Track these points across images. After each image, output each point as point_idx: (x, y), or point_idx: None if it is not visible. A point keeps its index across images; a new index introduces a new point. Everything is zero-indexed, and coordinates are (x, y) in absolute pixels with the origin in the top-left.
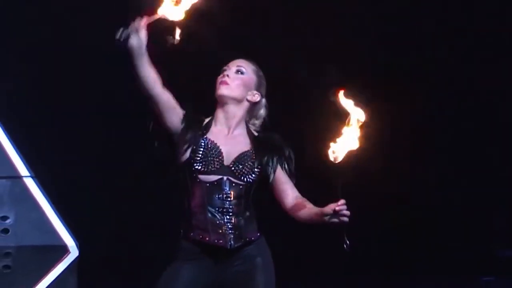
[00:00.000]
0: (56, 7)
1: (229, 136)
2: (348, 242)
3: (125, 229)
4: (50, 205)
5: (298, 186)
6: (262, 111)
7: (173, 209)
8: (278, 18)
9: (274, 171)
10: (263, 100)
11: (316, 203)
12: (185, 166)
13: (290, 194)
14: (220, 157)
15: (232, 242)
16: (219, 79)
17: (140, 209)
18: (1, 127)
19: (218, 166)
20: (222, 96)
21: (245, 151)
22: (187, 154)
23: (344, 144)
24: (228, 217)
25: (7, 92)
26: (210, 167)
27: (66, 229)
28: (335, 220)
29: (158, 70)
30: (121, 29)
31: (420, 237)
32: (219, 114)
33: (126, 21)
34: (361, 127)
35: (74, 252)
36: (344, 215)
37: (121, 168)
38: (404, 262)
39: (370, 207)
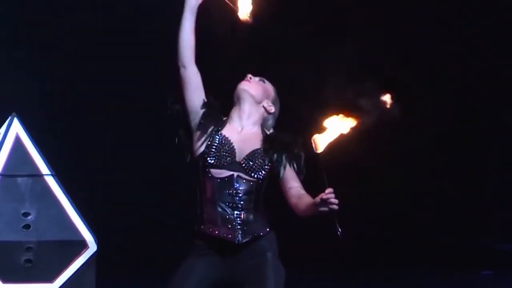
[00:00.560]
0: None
1: (243, 133)
2: (340, 229)
3: (142, 225)
4: (70, 202)
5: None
6: (271, 122)
7: (190, 205)
8: None
9: (284, 168)
10: (276, 113)
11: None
12: (199, 159)
13: (295, 190)
14: (232, 153)
15: (240, 237)
16: (242, 81)
17: (157, 205)
18: (24, 128)
19: (229, 162)
20: (242, 90)
21: (257, 149)
22: (202, 147)
23: (326, 134)
24: (237, 212)
25: (28, 91)
26: (222, 161)
27: (85, 225)
28: (325, 208)
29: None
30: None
31: (419, 232)
32: (235, 112)
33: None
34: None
35: (92, 246)
36: (332, 203)
37: (139, 165)
38: (403, 256)
39: (369, 202)
